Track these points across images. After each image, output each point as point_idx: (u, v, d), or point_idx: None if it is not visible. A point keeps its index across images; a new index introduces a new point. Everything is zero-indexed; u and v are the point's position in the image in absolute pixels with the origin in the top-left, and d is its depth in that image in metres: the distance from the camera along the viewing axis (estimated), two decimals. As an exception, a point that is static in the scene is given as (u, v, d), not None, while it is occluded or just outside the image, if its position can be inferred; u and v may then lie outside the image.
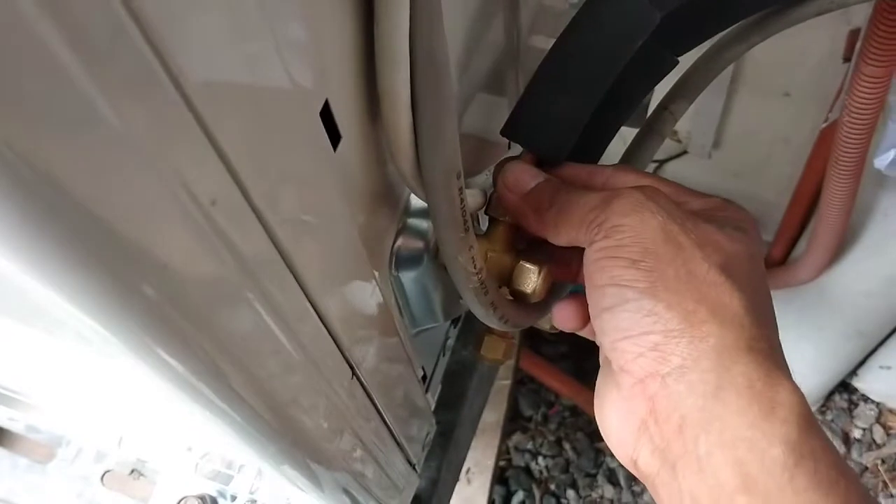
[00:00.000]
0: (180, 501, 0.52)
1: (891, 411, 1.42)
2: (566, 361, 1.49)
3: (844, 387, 1.44)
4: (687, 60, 0.43)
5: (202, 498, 0.51)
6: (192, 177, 0.18)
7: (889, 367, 1.30)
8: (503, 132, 0.39)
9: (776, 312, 0.34)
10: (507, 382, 1.32)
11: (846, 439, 1.41)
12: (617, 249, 0.32)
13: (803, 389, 0.31)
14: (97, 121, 0.15)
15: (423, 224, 0.37)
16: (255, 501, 0.51)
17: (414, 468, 0.53)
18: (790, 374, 0.32)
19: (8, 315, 0.24)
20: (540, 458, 1.45)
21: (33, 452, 0.56)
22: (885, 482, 1.36)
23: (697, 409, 0.30)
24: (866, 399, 1.43)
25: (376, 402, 0.39)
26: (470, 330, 0.63)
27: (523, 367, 1.42)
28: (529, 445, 1.47)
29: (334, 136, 0.27)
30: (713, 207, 0.36)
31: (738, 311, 0.31)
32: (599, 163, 0.42)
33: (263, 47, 0.20)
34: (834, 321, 1.14)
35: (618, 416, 0.33)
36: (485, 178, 0.41)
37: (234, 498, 0.51)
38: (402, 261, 0.37)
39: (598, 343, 0.36)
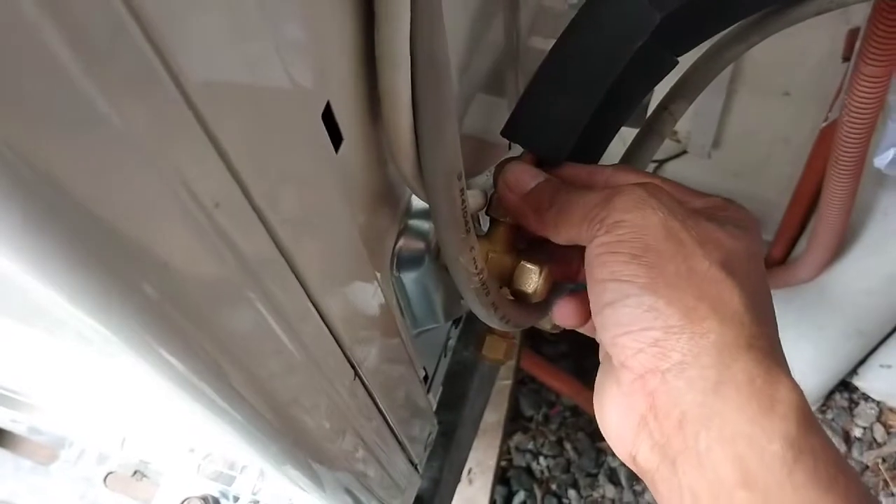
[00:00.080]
0: (183, 502, 0.52)
1: (891, 410, 1.42)
2: (567, 361, 1.49)
3: (845, 386, 1.44)
4: (686, 61, 0.43)
5: (205, 499, 0.51)
6: (192, 176, 0.18)
7: (889, 366, 1.30)
8: (503, 133, 0.39)
9: (776, 312, 0.34)
10: (508, 382, 1.32)
11: (847, 438, 1.41)
12: (618, 245, 0.32)
13: (804, 388, 0.31)
14: (97, 120, 0.15)
15: (424, 225, 0.38)
16: (258, 502, 0.51)
17: (416, 468, 0.53)
18: (790, 372, 0.32)
19: (10, 316, 0.24)
20: (541, 458, 1.45)
21: (36, 454, 0.56)
22: (885, 481, 1.36)
23: (697, 405, 0.30)
24: (867, 398, 1.43)
25: (378, 402, 0.39)
26: (471, 330, 0.63)
27: (524, 367, 1.42)
28: (531, 445, 1.47)
29: (336, 138, 0.27)
30: (714, 206, 0.36)
31: (739, 308, 0.31)
32: (599, 163, 0.42)
33: (264, 48, 0.20)
34: (834, 320, 1.14)
35: (617, 412, 0.33)
36: (485, 178, 0.41)
37: (236, 499, 0.51)
38: (404, 261, 0.37)
39: (598, 339, 0.36)
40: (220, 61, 0.19)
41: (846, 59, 0.73)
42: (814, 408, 1.27)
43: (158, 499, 0.53)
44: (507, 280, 0.40)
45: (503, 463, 1.42)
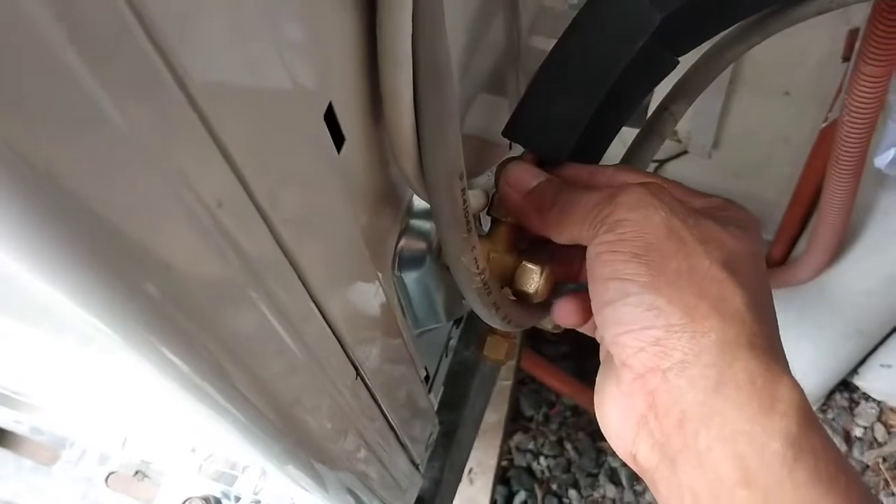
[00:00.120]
0: (185, 502, 0.52)
1: (892, 409, 1.42)
2: (567, 361, 1.49)
3: (845, 385, 1.44)
4: (687, 61, 0.43)
5: (206, 499, 0.51)
6: (196, 177, 0.18)
7: (890, 366, 1.30)
8: (504, 133, 0.39)
9: (776, 312, 0.34)
10: (509, 383, 1.32)
11: (847, 438, 1.41)
12: (619, 244, 0.32)
13: (804, 388, 0.31)
14: (101, 120, 0.15)
15: (425, 225, 0.38)
16: (260, 502, 0.51)
17: (417, 468, 0.53)
18: (790, 371, 0.32)
19: (13, 316, 0.24)
20: (541, 458, 1.45)
21: (37, 454, 0.56)
22: (886, 480, 1.36)
23: (698, 404, 0.30)
24: (867, 397, 1.43)
25: (380, 402, 0.39)
26: (472, 330, 0.63)
27: (524, 368, 1.42)
28: (531, 445, 1.47)
29: (338, 138, 0.27)
30: (715, 206, 0.36)
31: (740, 307, 0.31)
32: (600, 164, 0.42)
33: (267, 48, 0.20)
34: (834, 320, 1.14)
35: (617, 411, 0.33)
36: (486, 178, 0.41)
37: (238, 499, 0.51)
38: (405, 261, 0.37)
39: (598, 338, 0.36)
40: (223, 62, 0.19)
41: (846, 58, 0.73)
42: (814, 407, 1.27)
43: (160, 499, 0.53)
44: (509, 280, 0.40)
45: (504, 463, 1.42)
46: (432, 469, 0.68)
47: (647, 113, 0.47)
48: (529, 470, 1.45)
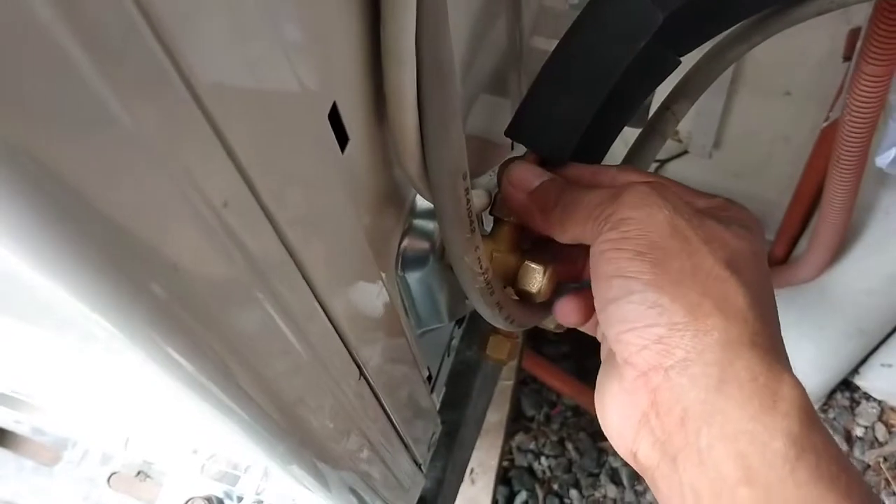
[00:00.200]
0: (187, 503, 0.52)
1: (893, 409, 1.42)
2: (568, 361, 1.49)
3: (846, 385, 1.44)
4: (689, 61, 0.43)
5: (209, 499, 0.51)
6: (202, 176, 0.18)
7: (891, 365, 1.30)
8: (507, 133, 0.39)
9: (778, 311, 0.34)
10: (510, 383, 1.32)
11: (848, 437, 1.41)
12: (623, 241, 0.32)
13: (805, 387, 0.31)
14: (108, 120, 0.15)
15: (428, 225, 0.38)
16: (262, 502, 0.51)
17: (420, 468, 0.53)
18: (792, 370, 0.32)
19: (16, 316, 0.24)
20: (543, 459, 1.45)
21: (39, 455, 0.56)
22: (887, 480, 1.36)
23: (700, 402, 0.30)
24: (868, 397, 1.43)
25: (383, 402, 0.39)
26: (474, 330, 0.63)
27: (526, 368, 1.43)
28: (532, 446, 1.47)
29: (342, 138, 0.27)
30: (717, 206, 0.36)
31: (743, 306, 0.31)
32: (602, 164, 0.42)
33: (272, 48, 0.21)
34: (835, 320, 1.14)
35: (619, 409, 0.33)
36: (489, 178, 0.41)
37: (240, 499, 0.51)
38: (408, 261, 0.37)
39: (600, 337, 0.36)
40: (229, 62, 0.19)
41: (847, 58, 0.73)
42: (815, 407, 1.27)
43: (162, 499, 0.53)
44: (512, 280, 0.40)
45: (505, 463, 1.42)
46: (435, 469, 0.68)
47: (648, 113, 0.47)
48: (531, 470, 1.45)
